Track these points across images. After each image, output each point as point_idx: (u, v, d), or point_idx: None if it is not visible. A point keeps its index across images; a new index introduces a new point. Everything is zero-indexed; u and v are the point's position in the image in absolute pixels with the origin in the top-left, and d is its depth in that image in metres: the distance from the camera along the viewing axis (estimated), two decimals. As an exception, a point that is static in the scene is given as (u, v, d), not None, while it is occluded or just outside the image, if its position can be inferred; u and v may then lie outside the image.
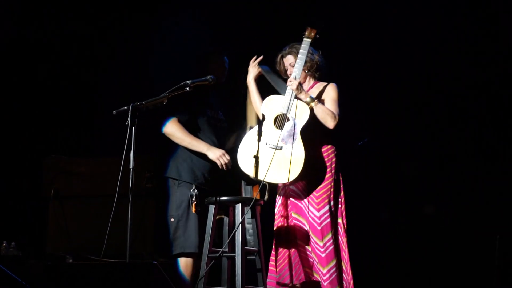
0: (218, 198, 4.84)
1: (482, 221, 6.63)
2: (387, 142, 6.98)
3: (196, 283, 4.89)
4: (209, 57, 5.49)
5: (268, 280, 4.89)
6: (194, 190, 5.10)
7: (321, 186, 4.83)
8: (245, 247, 4.78)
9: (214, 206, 4.87)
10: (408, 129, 7.03)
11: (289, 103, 4.78)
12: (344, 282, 4.78)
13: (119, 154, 4.46)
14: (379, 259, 6.68)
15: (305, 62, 4.92)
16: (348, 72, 6.51)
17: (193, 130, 5.23)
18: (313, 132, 4.83)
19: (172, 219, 5.20)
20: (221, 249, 4.86)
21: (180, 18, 7.53)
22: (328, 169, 4.86)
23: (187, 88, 4.78)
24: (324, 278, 4.71)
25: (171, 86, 4.79)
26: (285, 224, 4.90)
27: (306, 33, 4.88)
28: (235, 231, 4.71)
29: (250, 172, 4.83)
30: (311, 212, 4.81)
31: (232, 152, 5.16)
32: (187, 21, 7.54)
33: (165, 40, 7.47)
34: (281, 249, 4.92)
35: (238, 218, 4.76)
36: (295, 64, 4.85)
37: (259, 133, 4.83)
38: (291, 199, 4.91)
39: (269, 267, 4.95)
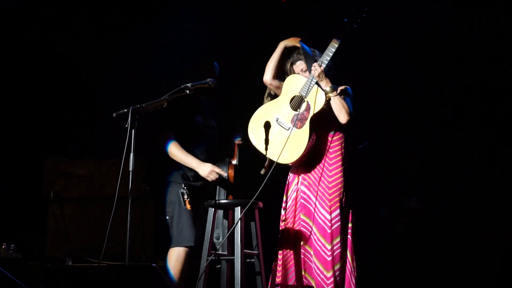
0: (217, 201, 4.84)
1: (483, 220, 6.64)
2: (387, 143, 6.98)
3: (188, 278, 4.92)
4: (199, 63, 5.47)
5: (276, 279, 4.88)
6: (184, 188, 5.11)
7: (333, 190, 4.80)
8: (245, 250, 4.77)
9: (213, 209, 4.87)
10: (408, 129, 7.03)
11: (309, 87, 4.78)
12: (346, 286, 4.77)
13: (119, 157, 4.45)
14: (380, 260, 6.67)
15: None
16: (347, 73, 6.50)
17: (184, 139, 5.24)
18: (328, 120, 4.84)
19: (167, 217, 5.24)
20: (214, 252, 4.89)
21: (180, 20, 7.54)
22: (339, 169, 4.84)
23: (187, 91, 4.78)
24: (328, 282, 4.69)
25: (171, 88, 4.78)
26: (292, 226, 4.88)
27: (343, 23, 4.83)
28: (230, 232, 4.74)
29: (256, 143, 4.93)
30: (321, 214, 4.78)
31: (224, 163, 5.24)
32: (187, 22, 7.55)
33: (166, 42, 7.48)
34: (287, 250, 4.90)
35: (237, 221, 4.77)
36: (326, 51, 4.78)
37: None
38: (301, 200, 4.89)
39: (277, 267, 4.92)
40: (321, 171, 4.85)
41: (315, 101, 4.76)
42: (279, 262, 4.92)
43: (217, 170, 5.09)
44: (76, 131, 7.33)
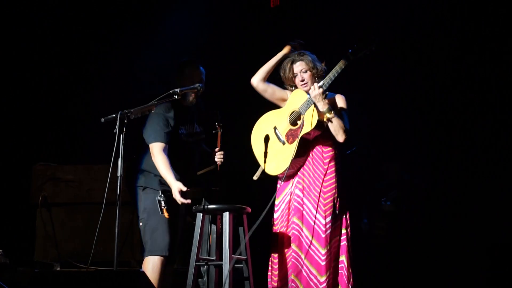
0: (206, 206, 4.84)
1: (464, 220, 6.70)
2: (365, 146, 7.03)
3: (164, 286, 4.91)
4: (184, 68, 5.35)
5: (273, 284, 4.88)
6: (161, 196, 5.08)
7: (328, 194, 4.81)
8: (233, 256, 4.78)
9: (202, 214, 4.87)
10: (385, 132, 7.08)
11: (307, 105, 4.81)
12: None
13: (107, 162, 4.45)
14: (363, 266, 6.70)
15: (317, 70, 4.94)
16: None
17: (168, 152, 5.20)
18: (322, 136, 4.86)
19: (140, 224, 5.18)
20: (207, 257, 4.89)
21: (168, 24, 7.56)
22: (333, 174, 4.85)
23: (175, 96, 4.78)
24: (321, 286, 4.69)
25: (159, 93, 4.79)
26: (286, 230, 4.88)
27: (352, 51, 4.73)
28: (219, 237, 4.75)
29: (254, 149, 5.03)
30: (316, 219, 4.77)
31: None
32: (176, 27, 7.57)
33: (154, 47, 7.48)
34: (282, 254, 4.89)
35: (226, 227, 4.77)
36: (328, 74, 4.76)
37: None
38: (294, 203, 4.89)
39: (272, 272, 4.92)
40: (316, 175, 4.85)
41: (308, 121, 4.77)
42: (275, 266, 4.91)
43: (184, 189, 4.99)
44: (64, 136, 7.31)
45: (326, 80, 4.76)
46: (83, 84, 7.45)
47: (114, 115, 4.47)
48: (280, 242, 4.91)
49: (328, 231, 4.75)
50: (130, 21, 7.43)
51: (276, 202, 5.00)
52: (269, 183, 5.14)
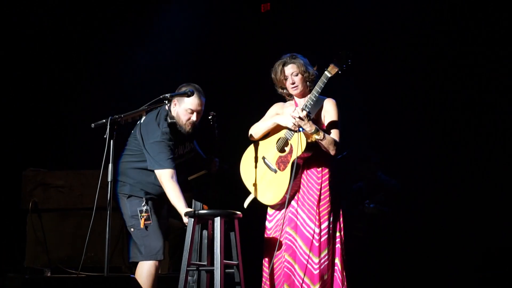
0: (196, 212, 4.84)
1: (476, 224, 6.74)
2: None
3: None
4: (184, 96, 5.04)
5: None
6: (144, 204, 5.06)
7: (323, 202, 4.78)
8: (224, 261, 4.78)
9: (193, 220, 4.87)
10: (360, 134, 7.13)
11: (293, 131, 4.77)
12: None
13: (98, 167, 4.45)
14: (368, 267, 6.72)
15: (309, 73, 4.90)
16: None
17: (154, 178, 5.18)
18: (313, 155, 4.82)
19: (132, 229, 5.14)
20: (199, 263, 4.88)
21: (159, 31, 7.57)
22: (326, 182, 4.83)
23: (166, 101, 4.76)
24: None
25: (150, 99, 4.78)
26: (278, 238, 4.86)
27: (329, 68, 4.68)
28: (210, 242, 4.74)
29: (245, 180, 4.95)
30: (308, 227, 4.73)
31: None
32: (167, 34, 7.58)
33: (144, 52, 7.50)
34: (274, 263, 4.87)
35: (217, 231, 4.76)
36: (309, 95, 4.67)
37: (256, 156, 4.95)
38: (289, 214, 4.87)
39: (264, 279, 4.91)
40: (310, 184, 4.83)
41: (297, 146, 4.75)
42: (266, 275, 4.89)
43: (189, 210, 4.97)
44: (54, 141, 7.31)
45: (308, 102, 4.72)
46: (73, 90, 7.45)
47: (104, 120, 4.46)
48: (273, 251, 4.88)
49: (323, 239, 4.74)
50: (121, 27, 7.44)
51: (270, 212, 4.98)
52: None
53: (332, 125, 4.87)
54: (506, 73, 6.80)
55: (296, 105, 5.00)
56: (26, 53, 7.33)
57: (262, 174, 4.90)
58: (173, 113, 5.11)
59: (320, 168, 4.84)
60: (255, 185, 4.91)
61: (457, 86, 7.01)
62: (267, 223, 4.94)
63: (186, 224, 4.94)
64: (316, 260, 4.68)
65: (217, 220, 4.78)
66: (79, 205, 6.15)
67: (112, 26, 7.44)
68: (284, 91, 5.03)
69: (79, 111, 7.24)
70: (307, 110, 4.68)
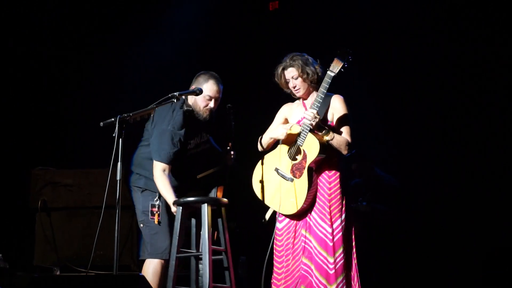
0: (183, 200, 4.88)
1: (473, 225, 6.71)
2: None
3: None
4: (202, 83, 5.18)
5: None
6: (157, 200, 5.09)
7: (333, 201, 4.76)
8: (212, 247, 4.81)
9: (181, 208, 4.89)
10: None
11: (303, 136, 4.75)
12: None
13: (107, 166, 4.45)
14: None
15: (308, 75, 4.88)
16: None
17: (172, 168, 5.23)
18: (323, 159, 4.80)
19: (141, 225, 5.16)
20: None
21: (166, 29, 7.58)
22: (337, 181, 4.79)
23: (174, 100, 4.76)
24: None
25: (158, 97, 4.78)
26: (293, 241, 4.84)
27: (331, 66, 4.66)
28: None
29: (259, 195, 4.92)
30: (321, 228, 4.71)
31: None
32: (174, 31, 7.58)
33: (153, 51, 7.50)
34: (287, 265, 4.85)
35: (204, 218, 4.81)
36: (316, 97, 4.67)
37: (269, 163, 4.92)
38: (302, 216, 4.86)
39: (274, 280, 4.90)
40: (321, 184, 4.81)
41: (310, 150, 4.72)
42: (278, 277, 4.87)
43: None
44: (63, 140, 7.32)
45: (315, 104, 4.69)
46: (82, 88, 7.46)
47: (113, 119, 4.46)
48: (284, 252, 4.86)
49: (336, 238, 4.71)
50: (129, 25, 7.44)
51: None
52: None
53: (341, 123, 4.84)
54: (506, 72, 6.78)
55: (304, 104, 4.98)
56: (35, 52, 7.34)
57: (278, 186, 4.84)
58: (190, 101, 5.14)
59: (330, 168, 4.81)
60: (271, 198, 4.87)
61: (459, 84, 6.99)
62: (277, 224, 4.91)
63: (174, 213, 4.98)
64: (331, 260, 4.66)
65: (204, 207, 4.83)
66: (88, 203, 6.15)
67: (121, 24, 7.44)
68: (289, 90, 5.03)
69: (88, 110, 7.25)
70: (318, 117, 4.65)
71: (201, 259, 4.88)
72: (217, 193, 5.25)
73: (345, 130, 4.82)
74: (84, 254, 5.90)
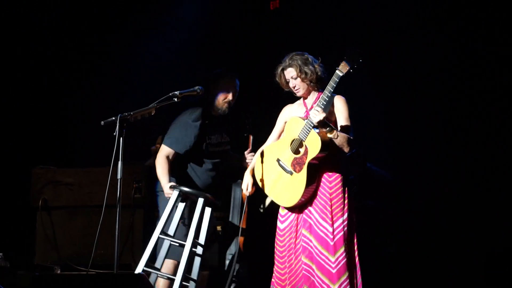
0: (181, 189, 5.01)
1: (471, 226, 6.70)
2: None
3: None
4: (220, 78, 5.42)
5: None
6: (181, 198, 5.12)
7: (335, 201, 4.76)
8: (195, 240, 4.97)
9: (177, 192, 5.04)
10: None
11: (307, 131, 4.75)
12: None
13: (107, 165, 4.46)
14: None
15: (306, 74, 4.88)
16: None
17: (192, 164, 5.29)
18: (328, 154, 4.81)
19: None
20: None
21: (167, 28, 7.57)
22: (338, 180, 4.80)
23: (175, 99, 4.78)
24: None
25: (159, 96, 4.79)
26: (295, 241, 4.85)
27: (340, 66, 4.66)
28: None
29: (259, 183, 4.99)
30: (322, 227, 4.72)
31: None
32: (175, 30, 7.58)
33: (154, 49, 7.49)
34: (289, 265, 4.85)
35: (197, 211, 4.97)
36: (321, 96, 4.66)
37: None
38: (303, 215, 4.86)
39: (275, 279, 4.90)
40: (321, 183, 4.82)
41: (312, 146, 4.72)
42: (282, 277, 4.87)
43: (174, 184, 5.15)
44: (64, 139, 7.32)
45: (321, 102, 4.69)
46: (82, 87, 7.46)
47: (113, 117, 4.47)
48: (286, 253, 4.87)
49: (337, 237, 4.71)
50: (129, 23, 7.44)
51: (283, 212, 4.96)
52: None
53: (344, 122, 4.86)
54: (507, 72, 6.77)
55: (305, 104, 4.99)
56: (35, 51, 7.35)
57: (278, 176, 4.87)
58: (209, 97, 5.19)
59: (331, 167, 4.82)
60: (271, 187, 4.90)
61: (459, 84, 6.98)
62: (279, 224, 4.92)
63: (167, 196, 5.11)
64: (333, 259, 4.66)
65: (200, 201, 4.96)
66: (88, 202, 6.15)
67: (122, 23, 7.44)
68: (289, 91, 5.04)
69: (89, 109, 7.25)
70: (322, 107, 4.65)
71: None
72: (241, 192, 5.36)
73: (347, 129, 4.83)
74: (85, 253, 5.90)
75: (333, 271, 4.64)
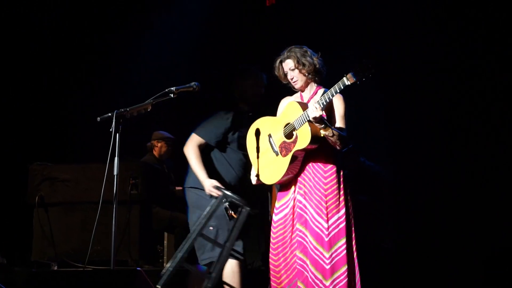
0: (225, 193, 4.94)
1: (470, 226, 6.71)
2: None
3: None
4: (247, 74, 5.45)
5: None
6: (225, 201, 5.10)
7: (330, 197, 4.76)
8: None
9: (221, 193, 4.97)
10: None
11: (302, 121, 4.74)
12: None
13: (104, 161, 4.46)
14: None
15: (304, 65, 4.88)
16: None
17: (226, 156, 5.33)
18: (319, 149, 4.81)
19: (211, 228, 5.20)
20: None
21: (164, 24, 7.57)
22: (333, 176, 4.80)
23: (171, 95, 4.78)
24: None
25: (155, 93, 4.79)
26: (290, 235, 4.85)
27: (348, 75, 4.52)
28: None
29: (249, 152, 5.02)
30: (317, 223, 4.71)
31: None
32: (171, 26, 7.58)
33: (150, 46, 7.50)
34: (284, 258, 4.86)
35: (241, 221, 4.85)
36: (323, 96, 4.57)
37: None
38: (298, 210, 4.85)
39: (272, 273, 4.91)
40: (316, 178, 4.81)
41: (302, 138, 4.73)
42: (276, 269, 4.86)
43: (219, 185, 5.14)
44: (60, 135, 7.32)
45: (322, 101, 4.68)
46: (79, 83, 7.46)
47: (110, 114, 4.48)
48: (280, 246, 4.87)
49: (332, 234, 4.71)
50: (125, 20, 7.44)
51: (277, 205, 4.96)
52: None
53: (340, 120, 4.85)
54: (507, 72, 6.79)
55: (302, 97, 4.99)
56: (32, 49, 7.34)
57: (265, 151, 4.90)
58: (239, 92, 5.29)
59: (326, 162, 4.81)
60: (256, 158, 4.93)
61: (459, 84, 6.99)
62: (273, 216, 4.93)
63: (209, 192, 5.08)
64: (327, 255, 4.65)
65: (244, 213, 4.84)
66: (85, 199, 6.15)
67: (118, 20, 7.44)
68: (288, 84, 5.04)
69: (85, 105, 7.25)
70: (321, 106, 4.64)
71: None
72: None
73: (342, 126, 4.82)
74: (82, 249, 5.90)
75: (327, 267, 4.64)
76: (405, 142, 7.15)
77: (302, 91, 5.00)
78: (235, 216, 4.98)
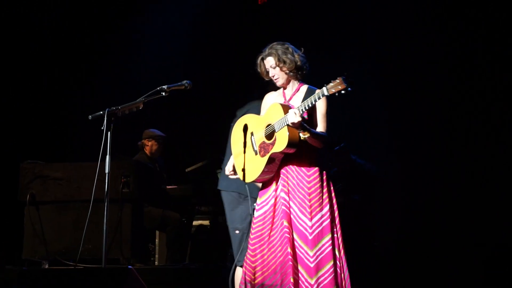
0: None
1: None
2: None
3: None
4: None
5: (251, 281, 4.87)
6: (254, 204, 5.08)
7: (313, 195, 4.76)
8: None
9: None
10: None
11: (281, 125, 4.73)
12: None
13: (95, 159, 4.45)
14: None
15: (285, 63, 4.87)
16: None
17: None
18: (302, 148, 4.80)
19: (237, 231, 5.18)
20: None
21: (157, 23, 7.57)
22: (317, 174, 4.81)
23: (163, 93, 4.78)
24: None
25: (147, 91, 4.78)
26: (269, 232, 4.85)
27: (332, 83, 4.47)
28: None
29: (232, 143, 5.02)
30: (301, 221, 4.71)
31: None
32: (164, 26, 7.57)
33: (142, 45, 7.49)
34: (264, 254, 4.85)
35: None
36: (305, 102, 4.54)
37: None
38: (282, 207, 4.84)
39: (247, 266, 4.90)
40: (300, 177, 4.80)
41: (280, 141, 4.74)
42: (252, 265, 4.86)
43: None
44: (52, 134, 7.30)
45: (302, 106, 4.68)
46: (70, 82, 7.44)
47: (101, 112, 4.47)
48: (260, 243, 4.86)
49: (316, 232, 4.72)
50: (119, 20, 7.44)
51: (258, 201, 4.95)
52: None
53: (321, 118, 4.84)
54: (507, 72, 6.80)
55: (284, 95, 4.99)
56: (26, 48, 7.33)
57: (247, 148, 4.90)
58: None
59: (309, 163, 4.81)
60: (237, 154, 4.93)
61: (460, 84, 7.01)
62: (254, 213, 4.93)
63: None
64: (311, 253, 4.66)
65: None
66: (76, 197, 6.14)
67: (112, 20, 7.43)
68: (271, 80, 5.03)
69: (77, 104, 7.24)
70: (301, 112, 4.64)
71: None
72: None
73: (322, 125, 4.82)
74: (73, 248, 5.90)
75: (311, 265, 4.65)
76: (405, 142, 7.16)
77: (285, 88, 4.99)
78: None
